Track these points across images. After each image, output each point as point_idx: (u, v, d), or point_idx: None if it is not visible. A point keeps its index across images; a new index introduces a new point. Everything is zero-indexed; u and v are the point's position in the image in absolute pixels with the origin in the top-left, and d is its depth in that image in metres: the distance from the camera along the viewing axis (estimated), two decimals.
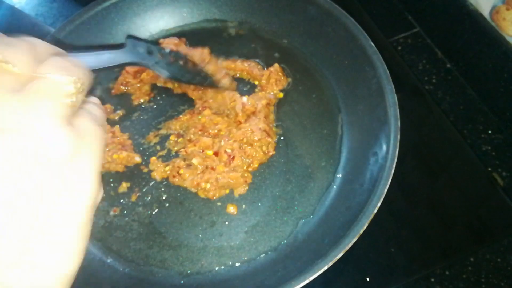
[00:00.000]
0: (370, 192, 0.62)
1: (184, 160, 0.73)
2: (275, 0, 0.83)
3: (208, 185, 0.69)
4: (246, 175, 0.71)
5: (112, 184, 0.73)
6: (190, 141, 0.74)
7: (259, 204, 0.70)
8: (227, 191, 0.71)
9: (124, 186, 0.73)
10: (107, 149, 0.72)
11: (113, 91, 0.82)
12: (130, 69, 0.81)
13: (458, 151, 0.80)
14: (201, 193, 0.71)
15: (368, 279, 0.69)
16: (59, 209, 0.28)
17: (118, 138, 0.75)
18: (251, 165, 0.72)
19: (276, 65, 0.80)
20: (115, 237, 0.68)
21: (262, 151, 0.72)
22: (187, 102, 0.80)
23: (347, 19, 0.75)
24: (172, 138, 0.76)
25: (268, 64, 0.82)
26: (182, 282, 0.65)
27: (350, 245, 0.58)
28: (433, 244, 0.72)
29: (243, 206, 0.70)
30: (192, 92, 0.80)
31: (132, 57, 0.66)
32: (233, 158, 0.70)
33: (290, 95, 0.80)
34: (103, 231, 0.69)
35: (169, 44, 0.79)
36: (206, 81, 0.77)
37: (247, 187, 0.71)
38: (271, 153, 0.74)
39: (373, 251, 0.71)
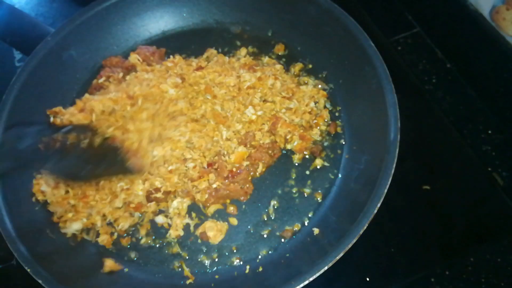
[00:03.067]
0: (370, 192, 0.62)
1: None
2: (275, 0, 0.83)
3: (206, 196, 0.69)
4: (247, 185, 0.70)
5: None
6: None
7: (259, 204, 0.70)
8: (228, 201, 0.70)
9: None
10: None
11: None
12: None
13: (458, 151, 0.80)
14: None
15: (368, 279, 0.69)
16: None
17: None
18: (257, 169, 0.72)
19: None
20: None
21: (269, 154, 0.72)
22: None
23: (347, 19, 0.75)
24: None
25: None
26: (182, 282, 0.65)
27: (350, 245, 0.58)
28: (433, 244, 0.72)
29: (243, 206, 0.70)
30: None
31: (8, 162, 0.56)
32: (240, 173, 0.70)
33: None
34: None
35: (140, 56, 0.77)
36: (115, 166, 0.63)
37: (248, 197, 0.70)
38: (277, 155, 0.73)
39: (373, 251, 0.71)
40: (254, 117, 0.72)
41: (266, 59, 0.82)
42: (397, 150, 0.64)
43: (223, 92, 0.74)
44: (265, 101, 0.74)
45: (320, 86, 0.79)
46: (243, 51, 0.83)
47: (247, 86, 0.74)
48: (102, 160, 0.61)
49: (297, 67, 0.81)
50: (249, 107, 0.73)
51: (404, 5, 0.98)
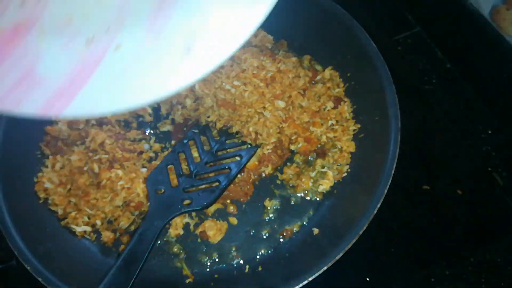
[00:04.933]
0: (370, 192, 0.62)
1: None
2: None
3: None
4: (248, 187, 0.70)
5: None
6: None
7: (259, 204, 0.70)
8: (228, 201, 0.70)
9: None
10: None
11: None
12: None
13: (458, 151, 0.80)
14: None
15: (368, 279, 0.69)
16: None
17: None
18: (266, 170, 0.71)
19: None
20: None
21: (277, 154, 0.72)
22: None
23: (348, 19, 0.74)
24: None
25: None
26: (181, 281, 0.65)
27: (349, 245, 0.58)
28: (433, 244, 0.72)
29: (243, 205, 0.70)
30: None
31: (163, 219, 0.62)
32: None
33: None
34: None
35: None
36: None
37: (247, 198, 0.70)
38: (286, 156, 0.73)
39: (373, 251, 0.71)
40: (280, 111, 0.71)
41: (280, 52, 0.81)
42: (397, 150, 0.64)
43: (251, 70, 0.71)
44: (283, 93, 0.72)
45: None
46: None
47: (269, 76, 0.71)
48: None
49: (305, 60, 0.80)
50: (278, 101, 0.71)
51: (404, 5, 0.98)
